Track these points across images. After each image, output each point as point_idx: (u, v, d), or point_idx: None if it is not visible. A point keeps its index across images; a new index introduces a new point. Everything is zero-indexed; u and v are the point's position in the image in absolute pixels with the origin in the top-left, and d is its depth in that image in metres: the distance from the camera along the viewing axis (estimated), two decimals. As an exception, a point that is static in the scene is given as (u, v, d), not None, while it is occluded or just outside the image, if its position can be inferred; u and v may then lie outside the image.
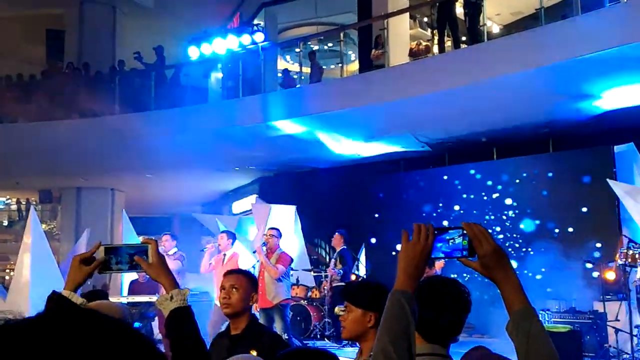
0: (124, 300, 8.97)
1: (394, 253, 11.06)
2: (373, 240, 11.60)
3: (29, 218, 10.01)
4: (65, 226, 14.72)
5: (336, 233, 9.71)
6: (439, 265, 8.23)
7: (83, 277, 1.95)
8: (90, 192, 14.35)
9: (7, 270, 19.33)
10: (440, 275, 2.16)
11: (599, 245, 8.40)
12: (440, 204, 10.91)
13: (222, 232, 8.93)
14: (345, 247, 9.64)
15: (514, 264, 9.66)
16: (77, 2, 15.51)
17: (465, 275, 8.94)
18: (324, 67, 14.29)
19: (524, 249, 9.80)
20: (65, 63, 15.15)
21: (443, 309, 2.05)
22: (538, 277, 9.23)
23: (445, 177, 11.05)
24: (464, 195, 10.70)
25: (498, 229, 10.15)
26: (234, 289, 3.31)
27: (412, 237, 1.67)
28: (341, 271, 9.41)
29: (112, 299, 7.48)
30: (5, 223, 20.96)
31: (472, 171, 10.72)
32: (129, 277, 10.03)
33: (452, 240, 1.76)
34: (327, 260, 11.31)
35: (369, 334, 2.60)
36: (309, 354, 1.99)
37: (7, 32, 16.64)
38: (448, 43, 10.53)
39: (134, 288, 9.70)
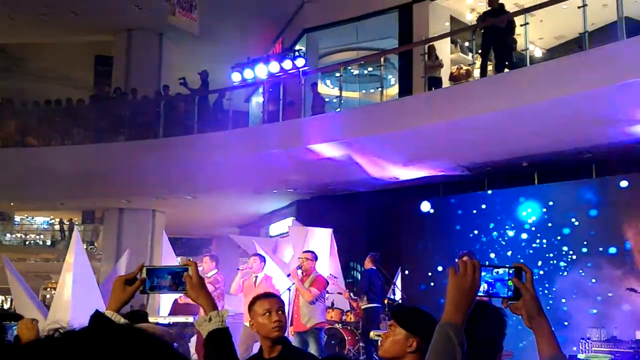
0: (162, 320, 9.04)
1: (431, 283, 10.90)
2: (409, 265, 11.46)
3: (72, 238, 10.23)
4: (107, 246, 14.98)
5: (368, 255, 9.76)
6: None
7: (126, 297, 1.99)
8: (132, 213, 14.60)
9: (49, 289, 19.76)
10: (484, 301, 2.13)
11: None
12: (476, 231, 10.71)
13: (255, 254, 8.94)
14: (372, 268, 9.60)
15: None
16: (126, 29, 15.98)
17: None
18: (364, 91, 14.35)
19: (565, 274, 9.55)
20: (113, 88, 15.60)
21: (476, 328, 1.95)
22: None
23: (484, 204, 10.86)
24: (502, 220, 10.50)
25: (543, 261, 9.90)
26: (280, 312, 3.32)
27: (459, 271, 1.70)
28: (354, 295, 9.54)
29: (151, 319, 7.56)
30: (49, 242, 21.53)
31: (520, 198, 10.50)
32: (168, 297, 10.11)
33: (497, 280, 1.77)
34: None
35: (407, 357, 2.60)
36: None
37: (58, 57, 17.26)
38: (489, 67, 10.46)
39: (177, 308, 9.76)
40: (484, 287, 1.75)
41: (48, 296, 18.31)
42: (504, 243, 10.37)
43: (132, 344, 0.72)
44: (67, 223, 20.39)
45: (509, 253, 10.23)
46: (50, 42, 17.26)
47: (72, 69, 17.96)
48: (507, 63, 10.17)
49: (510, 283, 1.75)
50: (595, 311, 8.73)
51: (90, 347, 0.70)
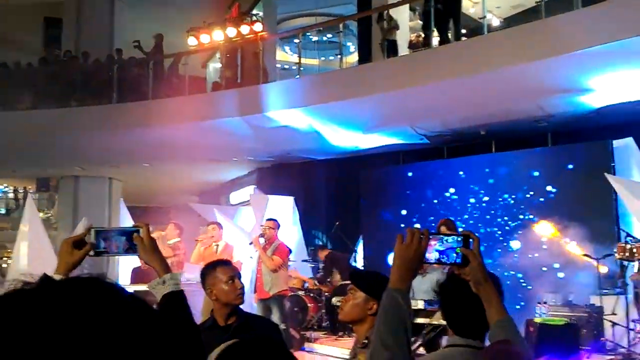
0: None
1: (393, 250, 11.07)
2: (369, 233, 11.61)
3: (26, 206, 10.00)
4: (63, 215, 14.69)
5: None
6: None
7: (74, 260, 1.92)
8: (88, 180, 14.31)
9: (4, 258, 19.34)
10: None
11: (595, 239, 8.41)
12: (436, 200, 10.90)
13: (212, 222, 8.92)
14: (327, 254, 9.85)
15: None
16: (76, -10, 15.42)
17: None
18: (323, 58, 14.27)
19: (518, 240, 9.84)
20: (63, 51, 15.09)
21: (473, 303, 1.96)
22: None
23: (443, 171, 11.03)
24: (460, 189, 10.70)
25: (495, 226, 10.16)
26: (239, 279, 3.32)
27: (406, 240, 1.78)
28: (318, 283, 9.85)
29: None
30: (3, 211, 20.97)
31: (478, 165, 10.69)
32: (128, 265, 10.01)
33: (448, 248, 1.84)
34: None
35: (367, 320, 2.68)
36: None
37: (5, 20, 16.56)
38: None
39: (137, 276, 9.67)
40: (435, 255, 1.83)
41: (4, 265, 17.92)
42: (462, 209, 10.59)
43: (92, 293, 0.68)
44: (22, 191, 19.86)
45: (467, 218, 10.45)
46: (-3, 3, 16.55)
47: (20, 32, 17.26)
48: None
49: (458, 250, 1.82)
50: (548, 276, 9.01)
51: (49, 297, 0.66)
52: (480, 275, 1.81)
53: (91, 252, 1.92)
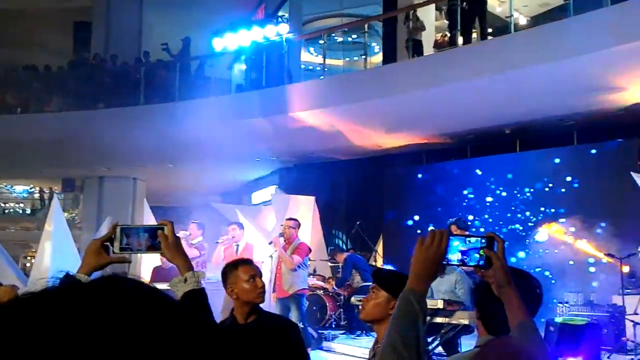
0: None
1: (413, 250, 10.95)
2: (391, 232, 11.51)
3: (51, 206, 10.13)
4: (87, 215, 14.88)
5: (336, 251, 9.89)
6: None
7: (101, 263, 1.89)
8: (113, 181, 14.48)
9: (29, 257, 19.66)
10: (516, 268, 2.14)
11: (620, 238, 8.24)
12: (458, 197, 10.78)
13: (232, 223, 8.93)
14: (348, 255, 9.77)
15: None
16: (104, -6, 15.67)
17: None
18: (347, 58, 14.21)
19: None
20: (92, 54, 15.32)
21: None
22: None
23: (467, 170, 10.90)
24: (484, 187, 10.57)
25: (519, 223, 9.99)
26: (260, 278, 3.31)
27: (426, 241, 1.75)
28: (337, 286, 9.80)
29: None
30: (28, 211, 21.36)
31: (503, 165, 10.56)
32: (150, 263, 10.07)
33: (471, 249, 1.81)
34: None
35: (388, 320, 2.60)
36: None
37: (36, 23, 16.89)
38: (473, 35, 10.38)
39: (158, 274, 9.72)
40: (457, 255, 1.80)
41: (28, 265, 18.21)
42: (485, 208, 10.46)
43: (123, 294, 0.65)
44: (47, 192, 20.18)
45: (488, 217, 10.32)
46: (29, 8, 16.88)
47: (50, 36, 17.59)
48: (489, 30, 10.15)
49: (482, 252, 1.80)
50: (571, 275, 8.87)
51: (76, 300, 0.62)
52: (503, 278, 1.79)
53: (116, 249, 1.90)
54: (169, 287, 1.96)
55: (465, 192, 10.73)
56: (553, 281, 8.91)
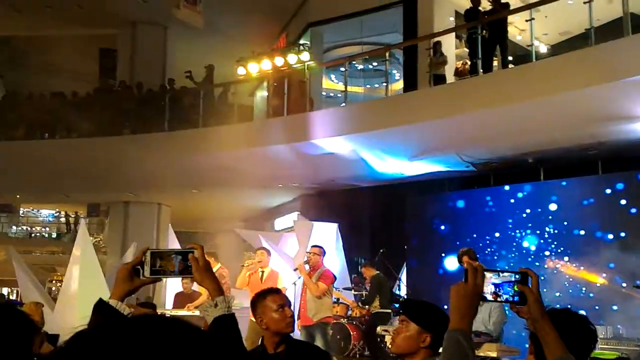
0: (168, 312, 9.09)
1: (437, 279, 10.93)
2: (414, 260, 11.51)
3: (79, 231, 10.29)
4: (112, 239, 15.04)
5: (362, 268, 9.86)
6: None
7: (131, 288, 1.89)
8: (138, 206, 14.65)
9: (54, 281, 19.83)
10: (567, 309, 2.16)
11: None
12: (482, 227, 10.75)
13: (261, 248, 8.96)
14: (377, 274, 9.74)
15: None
16: (130, 23, 15.99)
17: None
18: (368, 86, 14.33)
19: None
20: (118, 81, 15.61)
21: (567, 345, 1.87)
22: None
23: (489, 198, 10.90)
24: (507, 217, 10.54)
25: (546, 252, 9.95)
26: (289, 307, 3.32)
27: (464, 276, 1.76)
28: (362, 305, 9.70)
29: (158, 312, 7.59)
30: (54, 235, 21.63)
31: (520, 193, 10.54)
32: (173, 289, 10.16)
33: (504, 282, 1.82)
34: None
35: (420, 353, 2.62)
36: None
37: (62, 50, 17.26)
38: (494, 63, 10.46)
39: (179, 300, 9.81)
40: (491, 288, 1.80)
41: (54, 288, 18.38)
42: (509, 240, 10.40)
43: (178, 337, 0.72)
44: (73, 216, 20.46)
45: (514, 250, 10.27)
46: (55, 34, 17.27)
47: (77, 62, 17.96)
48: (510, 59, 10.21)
49: (516, 287, 1.80)
50: (597, 308, 8.79)
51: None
52: (537, 313, 1.79)
53: (147, 273, 1.89)
54: (199, 312, 1.99)
55: (492, 221, 10.69)
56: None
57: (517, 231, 10.34)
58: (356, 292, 10.71)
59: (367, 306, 9.73)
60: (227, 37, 15.80)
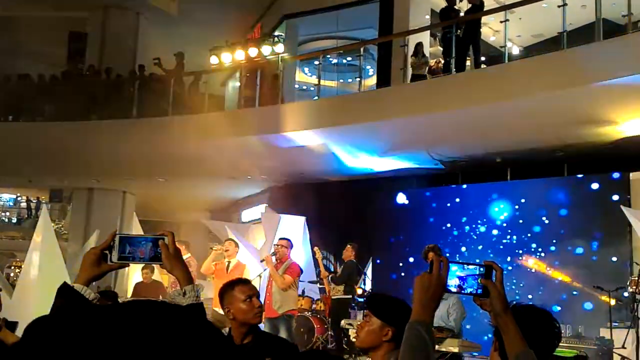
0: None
1: (402, 274, 10.98)
2: (380, 256, 11.54)
3: (40, 216, 10.06)
4: (75, 226, 14.77)
5: (349, 245, 9.76)
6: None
7: (98, 272, 1.84)
8: (102, 193, 14.40)
9: (13, 267, 19.45)
10: (532, 306, 2.13)
11: (609, 272, 8.32)
12: (448, 224, 10.85)
13: (229, 239, 8.92)
14: (352, 260, 9.65)
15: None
16: (101, 7, 15.67)
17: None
18: (341, 80, 14.30)
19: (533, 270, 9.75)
20: (86, 65, 15.30)
21: (530, 341, 1.85)
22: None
23: (458, 197, 10.98)
24: (474, 215, 10.64)
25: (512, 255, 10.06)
26: (257, 298, 3.31)
27: (428, 269, 1.75)
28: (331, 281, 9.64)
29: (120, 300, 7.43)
30: (14, 220, 21.20)
31: (488, 192, 10.66)
32: (136, 279, 10.03)
33: (469, 275, 1.82)
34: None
35: (383, 346, 2.64)
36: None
37: (30, 32, 16.86)
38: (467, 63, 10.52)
39: (139, 290, 9.71)
40: (455, 281, 1.80)
41: (12, 274, 18.00)
42: (475, 237, 10.52)
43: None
44: (34, 201, 20.07)
45: (480, 247, 10.37)
46: (23, 15, 16.86)
47: (45, 44, 17.55)
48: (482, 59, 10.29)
49: (480, 281, 1.80)
50: (559, 308, 8.93)
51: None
52: (499, 307, 1.78)
53: (114, 258, 1.84)
54: (168, 300, 1.92)
55: (459, 218, 10.79)
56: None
57: (483, 227, 10.43)
58: (320, 287, 10.69)
59: (333, 284, 9.67)
60: (201, 26, 15.61)
